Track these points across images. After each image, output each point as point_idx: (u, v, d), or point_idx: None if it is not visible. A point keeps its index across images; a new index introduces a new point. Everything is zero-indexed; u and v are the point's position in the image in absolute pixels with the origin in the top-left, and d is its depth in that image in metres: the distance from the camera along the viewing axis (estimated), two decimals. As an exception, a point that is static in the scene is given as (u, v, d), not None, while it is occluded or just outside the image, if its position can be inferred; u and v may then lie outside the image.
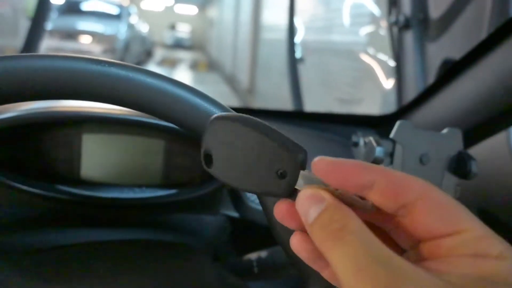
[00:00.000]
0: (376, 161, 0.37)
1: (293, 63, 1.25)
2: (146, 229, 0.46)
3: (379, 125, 0.72)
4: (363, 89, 2.42)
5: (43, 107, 0.38)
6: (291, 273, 0.41)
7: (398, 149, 0.37)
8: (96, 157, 0.46)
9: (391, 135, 0.37)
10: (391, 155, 0.38)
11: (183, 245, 0.35)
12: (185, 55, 11.80)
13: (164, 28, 14.98)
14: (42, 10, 1.27)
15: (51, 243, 0.39)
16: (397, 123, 0.37)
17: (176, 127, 0.40)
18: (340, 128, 0.76)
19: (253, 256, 0.42)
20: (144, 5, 15.50)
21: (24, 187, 0.40)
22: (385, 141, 0.38)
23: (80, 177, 0.45)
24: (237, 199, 0.47)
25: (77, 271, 0.29)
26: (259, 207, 0.47)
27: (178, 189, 0.46)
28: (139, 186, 0.47)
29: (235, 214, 0.49)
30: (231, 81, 7.08)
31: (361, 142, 0.50)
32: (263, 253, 0.42)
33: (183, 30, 15.34)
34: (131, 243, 0.35)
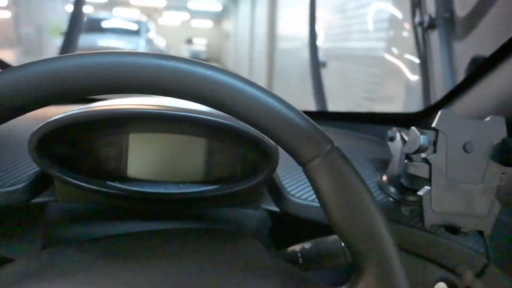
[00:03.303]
0: (421, 149, 0.37)
1: (316, 66, 1.26)
2: (191, 222, 0.48)
3: (407, 123, 0.72)
4: (382, 94, 2.41)
5: (93, 106, 0.41)
6: (336, 263, 0.42)
7: (441, 138, 0.38)
8: (142, 155, 0.48)
9: (434, 124, 0.38)
10: (434, 144, 0.38)
11: (235, 232, 0.36)
12: (202, 68, 11.88)
13: (181, 42, 15.30)
14: (74, 27, 1.33)
15: (103, 234, 0.41)
16: (440, 112, 0.38)
17: (217, 125, 0.42)
18: (367, 127, 0.76)
19: (297, 247, 0.43)
20: (161, 21, 15.88)
21: (79, 183, 0.42)
22: (428, 132, 0.39)
23: (127, 175, 0.47)
24: (278, 193, 0.49)
25: (136, 256, 0.31)
26: (301, 201, 0.48)
27: (220, 184, 0.47)
28: (183, 182, 0.48)
29: (275, 208, 0.50)
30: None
31: (398, 136, 0.50)
32: (307, 244, 0.43)
33: (200, 44, 15.62)
34: (182, 231, 0.36)
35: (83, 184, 0.43)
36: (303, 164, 0.29)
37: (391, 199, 0.49)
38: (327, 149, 0.28)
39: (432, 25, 0.85)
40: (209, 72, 0.27)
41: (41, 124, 0.39)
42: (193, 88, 0.26)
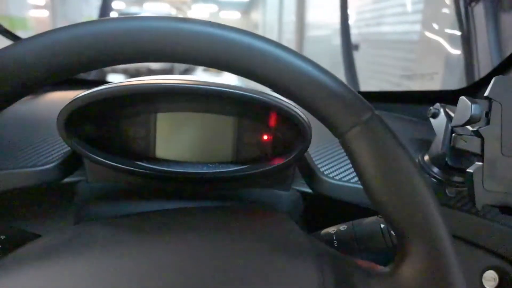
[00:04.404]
0: (472, 119, 0.34)
1: (348, 47, 1.21)
2: (220, 202, 0.46)
3: (448, 101, 0.67)
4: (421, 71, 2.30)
5: (120, 82, 0.40)
6: (374, 247, 0.39)
7: (496, 108, 0.34)
8: (170, 135, 0.46)
9: (486, 93, 0.34)
10: (487, 115, 0.34)
11: (267, 209, 0.34)
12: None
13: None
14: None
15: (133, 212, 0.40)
16: (494, 79, 0.34)
17: (246, 99, 0.40)
18: (404, 108, 0.72)
19: (331, 229, 0.41)
20: (190, 13, 16.02)
21: (108, 162, 0.41)
22: (480, 101, 0.35)
23: (155, 155, 0.46)
24: (310, 174, 0.46)
25: (166, 233, 0.29)
26: (335, 181, 0.45)
27: (250, 164, 0.45)
28: (212, 163, 0.47)
29: (307, 189, 0.48)
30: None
31: (441, 111, 0.46)
32: (342, 226, 0.40)
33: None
34: (214, 209, 0.35)
35: (111, 163, 0.42)
36: (340, 134, 0.26)
37: (434, 180, 0.46)
38: (367, 117, 0.26)
39: (476, -3, 0.79)
40: (232, 35, 0.25)
41: (69, 101, 0.38)
42: (213, 54, 0.24)
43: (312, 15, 5.42)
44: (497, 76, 0.34)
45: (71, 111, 0.38)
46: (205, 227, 0.30)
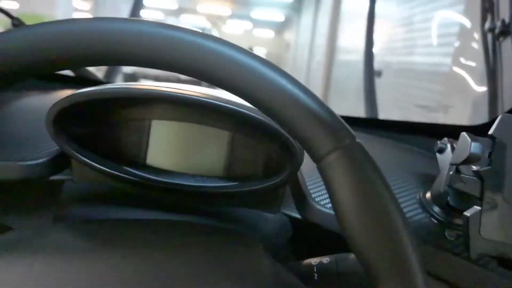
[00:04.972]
0: (471, 159, 0.31)
1: (370, 73, 1.19)
2: (202, 217, 0.44)
3: None
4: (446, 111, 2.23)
5: (115, 85, 0.39)
6: (354, 286, 0.36)
7: (499, 148, 0.31)
8: (163, 143, 0.46)
9: (491, 131, 0.31)
10: (490, 155, 0.31)
11: (240, 233, 0.32)
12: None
13: (241, 50, 15.57)
14: None
15: (110, 217, 0.39)
16: (499, 117, 0.31)
17: (240, 115, 0.39)
18: (420, 139, 0.68)
19: (314, 260, 0.38)
20: (225, 29, 16.39)
21: (93, 164, 0.41)
22: (482, 139, 0.32)
23: (145, 162, 0.46)
24: (301, 199, 0.44)
25: (130, 242, 0.28)
26: (325, 210, 0.42)
27: (239, 182, 0.43)
28: (201, 176, 0.45)
29: (297, 215, 0.45)
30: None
31: (448, 147, 0.43)
32: (325, 259, 0.37)
33: (259, 53, 15.84)
34: (186, 224, 0.33)
35: (98, 165, 0.41)
36: (317, 158, 0.24)
37: (434, 220, 0.42)
38: (347, 143, 0.23)
39: (504, 32, 0.75)
40: (213, 45, 0.24)
41: (61, 98, 0.38)
42: (178, 59, 0.23)
43: (344, 40, 5.41)
44: (504, 114, 0.31)
45: (61, 108, 0.38)
46: (160, 242, 0.28)
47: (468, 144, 0.31)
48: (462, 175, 0.32)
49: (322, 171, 0.24)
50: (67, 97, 0.37)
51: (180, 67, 0.24)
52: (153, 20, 0.24)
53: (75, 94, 0.38)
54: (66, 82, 0.75)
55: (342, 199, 0.23)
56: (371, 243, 0.23)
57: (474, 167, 0.32)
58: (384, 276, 0.23)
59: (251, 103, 0.24)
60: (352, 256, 0.37)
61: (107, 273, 0.24)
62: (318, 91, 5.92)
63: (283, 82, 0.24)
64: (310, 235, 0.47)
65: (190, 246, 0.28)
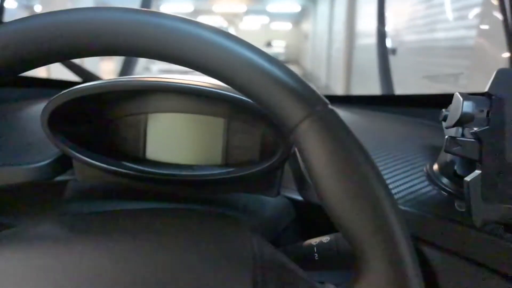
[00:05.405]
0: (464, 118, 0.29)
1: (383, 50, 1.15)
2: (203, 206, 0.44)
3: None
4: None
5: (108, 80, 0.39)
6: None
7: (498, 106, 0.29)
8: (160, 136, 0.46)
9: (487, 88, 0.29)
10: (488, 114, 0.29)
11: (229, 216, 0.31)
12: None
13: (260, 45, 15.55)
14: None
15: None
16: (495, 72, 0.29)
17: (236, 104, 0.38)
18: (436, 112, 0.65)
19: (314, 241, 0.37)
20: (242, 25, 16.40)
21: (93, 162, 0.41)
22: (478, 98, 0.30)
23: (145, 156, 0.46)
24: (300, 180, 0.43)
25: (128, 230, 0.28)
26: None
27: (236, 167, 0.43)
28: (200, 165, 0.45)
29: (298, 197, 0.44)
30: (326, 91, 6.98)
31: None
32: (325, 238, 0.36)
33: (279, 46, 15.74)
34: (177, 211, 0.33)
35: (97, 163, 0.42)
36: (290, 129, 0.23)
37: (443, 192, 0.40)
38: (319, 109, 0.22)
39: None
40: (173, 23, 0.23)
41: (53, 97, 0.38)
42: (152, 43, 0.22)
43: (362, 24, 5.28)
44: (500, 68, 0.29)
45: (53, 108, 0.39)
46: (149, 228, 0.28)
47: (460, 104, 0.29)
48: (458, 138, 0.30)
49: (295, 141, 0.23)
50: (56, 96, 0.38)
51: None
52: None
53: (65, 92, 0.38)
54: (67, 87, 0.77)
55: (317, 168, 0.22)
56: (351, 211, 0.22)
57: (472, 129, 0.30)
58: (367, 245, 0.22)
59: (221, 81, 0.24)
60: None
61: (100, 260, 0.24)
62: (340, 77, 5.81)
63: (247, 54, 0.23)
64: (313, 216, 0.46)
65: (175, 231, 0.28)
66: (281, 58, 15.31)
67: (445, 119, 0.42)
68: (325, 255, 0.35)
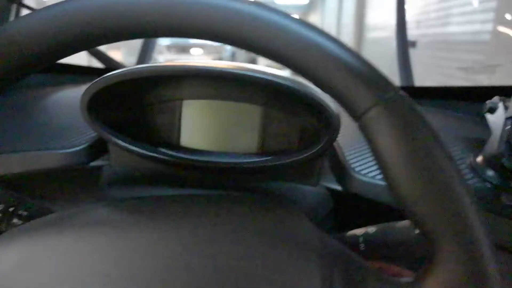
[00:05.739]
0: None
1: (403, 40, 1.13)
2: (240, 193, 0.44)
3: None
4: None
5: (146, 64, 0.39)
6: (405, 254, 0.34)
7: None
8: (195, 123, 0.45)
9: None
10: None
11: (284, 204, 0.31)
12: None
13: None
14: (147, 46, 1.40)
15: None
16: None
17: (274, 90, 0.37)
18: (462, 105, 0.64)
19: (358, 231, 0.36)
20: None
21: (130, 147, 0.41)
22: None
23: (179, 143, 0.45)
24: (341, 170, 0.42)
25: (174, 215, 0.27)
26: (367, 179, 0.40)
27: (274, 156, 0.42)
28: (236, 153, 0.45)
29: (337, 186, 0.43)
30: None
31: (500, 106, 0.40)
32: (370, 229, 0.36)
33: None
34: (228, 197, 0.32)
35: (134, 148, 0.41)
36: (358, 115, 0.22)
37: (487, 185, 0.39)
38: (390, 95, 0.22)
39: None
40: (234, 4, 0.22)
41: (94, 81, 0.38)
42: (212, 25, 0.22)
43: (372, 17, 5.23)
44: None
45: (93, 92, 0.38)
46: (206, 214, 0.27)
47: None
48: None
49: (364, 127, 0.22)
50: (97, 80, 0.38)
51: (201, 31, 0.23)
52: None
53: (105, 77, 0.38)
54: (98, 74, 0.76)
55: (390, 157, 0.22)
56: (428, 201, 0.21)
57: None
58: (442, 235, 0.21)
59: (283, 63, 0.23)
60: (399, 224, 0.35)
61: (155, 245, 0.24)
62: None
63: (315, 37, 0.22)
64: (351, 207, 0.45)
65: (234, 217, 0.27)
66: None
67: (490, 110, 0.41)
68: (371, 246, 0.35)
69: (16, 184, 0.47)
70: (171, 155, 0.43)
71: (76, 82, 0.73)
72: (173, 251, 0.23)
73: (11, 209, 0.38)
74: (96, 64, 0.90)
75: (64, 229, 0.25)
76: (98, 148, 0.46)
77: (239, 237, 0.24)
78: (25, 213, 0.38)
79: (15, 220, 0.37)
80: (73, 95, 0.60)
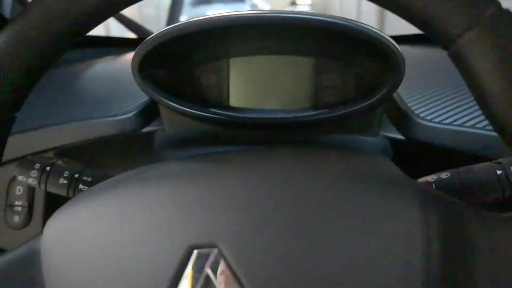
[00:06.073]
0: None
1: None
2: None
3: None
4: None
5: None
6: (485, 197, 0.32)
7: None
8: (244, 81, 0.44)
9: None
10: None
11: (359, 150, 0.29)
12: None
13: (285, 5, 15.02)
14: (176, 3, 1.41)
15: None
16: None
17: (325, 39, 0.35)
18: None
19: (430, 178, 0.35)
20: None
21: (182, 108, 0.40)
22: None
23: (229, 102, 0.44)
24: (402, 117, 0.40)
25: (254, 166, 0.26)
26: (434, 125, 0.38)
27: (329, 109, 0.41)
28: (289, 109, 0.43)
29: (397, 135, 0.41)
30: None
31: None
32: (444, 174, 0.34)
33: (304, 4, 15.14)
34: (301, 147, 0.31)
35: (185, 109, 0.41)
36: (450, 40, 0.20)
37: None
38: (490, 13, 0.19)
39: None
40: None
41: (143, 42, 0.37)
42: None
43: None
44: None
45: (144, 52, 0.37)
46: (294, 164, 0.26)
47: None
48: None
49: (457, 54, 0.20)
50: (145, 42, 0.37)
51: None
52: None
53: (152, 37, 0.37)
54: (132, 45, 0.76)
55: (491, 85, 0.20)
56: None
57: None
58: None
59: None
60: (478, 166, 0.33)
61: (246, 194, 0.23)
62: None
63: None
64: (412, 156, 0.43)
65: (321, 166, 0.26)
66: (307, 1, 14.73)
67: None
68: (447, 191, 0.33)
69: (74, 154, 0.48)
70: (223, 114, 0.42)
71: (112, 54, 0.73)
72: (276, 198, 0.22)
73: (76, 175, 0.38)
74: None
75: (143, 183, 0.25)
76: (149, 114, 0.46)
77: (334, 184, 0.23)
78: (89, 179, 0.39)
79: (81, 186, 0.38)
80: (115, 66, 0.60)
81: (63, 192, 0.38)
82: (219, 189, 0.23)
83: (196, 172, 0.25)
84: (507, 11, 0.20)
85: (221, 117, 0.41)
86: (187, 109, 0.41)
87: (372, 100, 0.36)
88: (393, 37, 0.35)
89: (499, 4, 0.20)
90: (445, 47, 0.21)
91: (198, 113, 0.41)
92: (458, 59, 0.21)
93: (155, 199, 0.23)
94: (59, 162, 0.39)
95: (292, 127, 0.42)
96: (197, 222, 0.21)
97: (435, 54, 0.52)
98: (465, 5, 0.19)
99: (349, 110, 0.38)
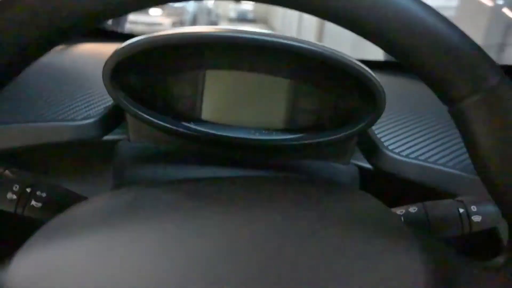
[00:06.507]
0: None
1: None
2: (268, 171, 0.42)
3: None
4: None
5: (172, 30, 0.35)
6: (448, 233, 0.35)
7: None
8: (219, 96, 0.42)
9: None
10: None
11: (338, 183, 0.30)
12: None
13: (230, 3, 14.96)
14: None
15: (175, 178, 0.37)
16: None
17: (305, 62, 0.35)
18: None
19: (399, 210, 0.37)
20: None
21: (153, 119, 0.38)
22: None
23: (201, 116, 0.43)
24: (371, 148, 0.42)
25: (228, 199, 0.26)
26: (401, 158, 0.40)
27: (305, 134, 0.41)
28: (263, 129, 0.43)
29: (366, 165, 0.43)
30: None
31: None
32: (412, 208, 0.36)
33: (247, 3, 15.20)
34: (273, 179, 0.31)
35: (156, 121, 0.38)
36: (454, 100, 0.21)
37: None
38: (494, 82, 0.21)
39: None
40: None
41: (117, 48, 0.34)
42: None
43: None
44: None
45: (118, 60, 0.34)
46: (263, 199, 0.26)
47: None
48: None
49: (458, 114, 0.22)
50: (122, 48, 0.34)
51: None
52: None
53: (133, 42, 0.34)
54: (90, 37, 0.69)
55: (487, 147, 0.21)
56: None
57: None
58: None
59: (374, 37, 0.21)
60: (442, 202, 0.36)
61: (218, 231, 0.22)
62: (311, 38, 5.78)
63: (416, 7, 0.20)
64: (379, 187, 0.46)
65: (295, 200, 0.26)
66: (250, 15, 14.83)
67: None
68: (415, 225, 0.35)
69: (26, 162, 0.42)
70: (194, 129, 0.40)
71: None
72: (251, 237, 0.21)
73: (28, 190, 0.34)
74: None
75: (109, 215, 0.23)
76: (111, 121, 0.42)
77: (315, 224, 0.23)
78: (43, 194, 0.34)
79: (33, 203, 0.34)
80: (73, 59, 0.54)
81: (10, 209, 0.33)
82: (187, 235, 0.22)
83: (164, 209, 0.24)
84: (509, 81, 0.22)
85: (193, 132, 0.40)
86: (158, 121, 0.38)
87: (351, 131, 0.37)
88: (363, 62, 0.36)
89: (502, 74, 0.22)
90: (446, 104, 0.22)
91: (169, 127, 0.39)
92: (460, 119, 0.22)
93: (121, 241, 0.21)
94: (7, 172, 0.34)
95: (264, 148, 0.42)
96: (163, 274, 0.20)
97: (407, 83, 0.54)
98: (474, 70, 0.21)
99: (327, 139, 0.38)
